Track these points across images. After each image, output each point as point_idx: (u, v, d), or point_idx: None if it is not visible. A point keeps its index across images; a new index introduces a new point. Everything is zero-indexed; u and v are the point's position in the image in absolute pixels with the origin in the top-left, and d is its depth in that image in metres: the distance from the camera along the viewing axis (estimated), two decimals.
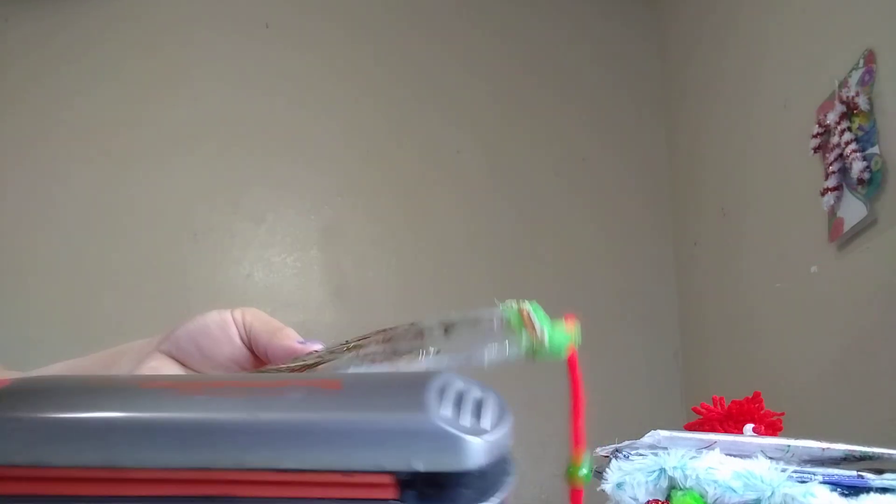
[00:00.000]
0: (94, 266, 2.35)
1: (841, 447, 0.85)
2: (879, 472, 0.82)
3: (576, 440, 0.44)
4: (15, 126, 2.46)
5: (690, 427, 0.99)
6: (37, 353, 2.27)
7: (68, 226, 2.39)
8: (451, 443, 0.32)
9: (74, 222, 2.39)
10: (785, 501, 0.76)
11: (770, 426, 0.96)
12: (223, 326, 0.51)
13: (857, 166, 1.39)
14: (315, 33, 2.63)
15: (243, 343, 0.51)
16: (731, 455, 0.83)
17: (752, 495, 0.78)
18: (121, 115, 2.50)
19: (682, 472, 0.81)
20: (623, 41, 2.70)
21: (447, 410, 0.33)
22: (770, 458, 0.82)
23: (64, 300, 2.32)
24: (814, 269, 1.60)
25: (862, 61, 1.44)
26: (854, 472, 0.81)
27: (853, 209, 1.43)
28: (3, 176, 2.42)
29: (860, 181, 1.39)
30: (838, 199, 1.48)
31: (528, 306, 0.44)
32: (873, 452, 0.86)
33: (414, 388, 0.34)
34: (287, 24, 2.62)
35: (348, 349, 0.48)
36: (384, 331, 0.48)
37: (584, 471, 0.43)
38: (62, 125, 2.47)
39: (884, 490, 0.80)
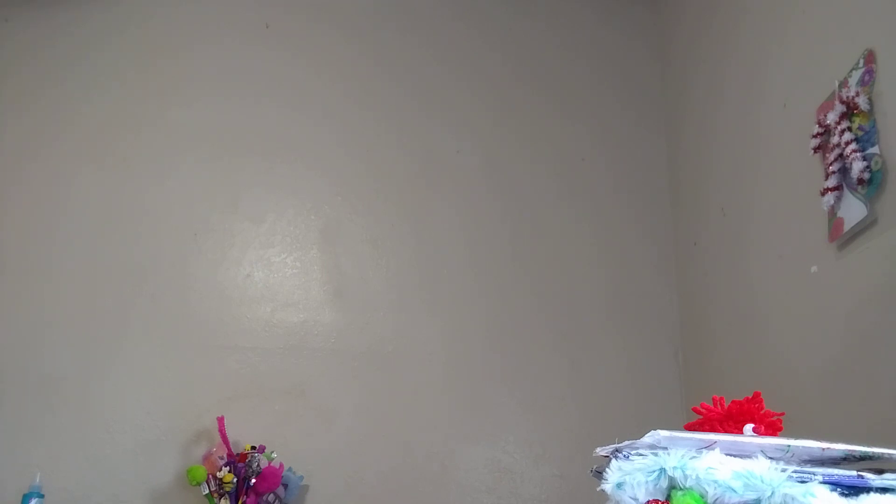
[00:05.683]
0: (96, 265, 2.35)
1: (841, 447, 0.85)
2: (879, 472, 0.82)
3: None
4: (20, 129, 2.47)
5: (690, 427, 0.99)
6: (41, 349, 2.27)
7: (71, 226, 2.39)
8: None
9: (77, 223, 2.39)
10: (785, 501, 0.76)
11: (770, 426, 0.96)
12: None
13: (857, 166, 1.39)
14: (314, 38, 2.63)
15: None
16: (731, 455, 0.83)
17: (752, 495, 0.78)
18: (123, 118, 2.50)
19: (682, 472, 0.81)
20: (623, 43, 2.70)
21: None
22: (770, 458, 0.82)
23: (66, 299, 2.32)
24: (814, 269, 1.60)
25: (862, 61, 1.44)
26: (854, 472, 0.81)
27: (853, 209, 1.43)
28: (9, 177, 2.42)
29: (860, 181, 1.39)
30: (838, 199, 1.47)
31: None
32: (873, 452, 0.85)
33: None
34: (286, 28, 2.62)
35: None
36: None
37: None
38: (66, 128, 2.48)
39: (884, 490, 0.80)
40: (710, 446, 0.83)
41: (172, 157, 2.48)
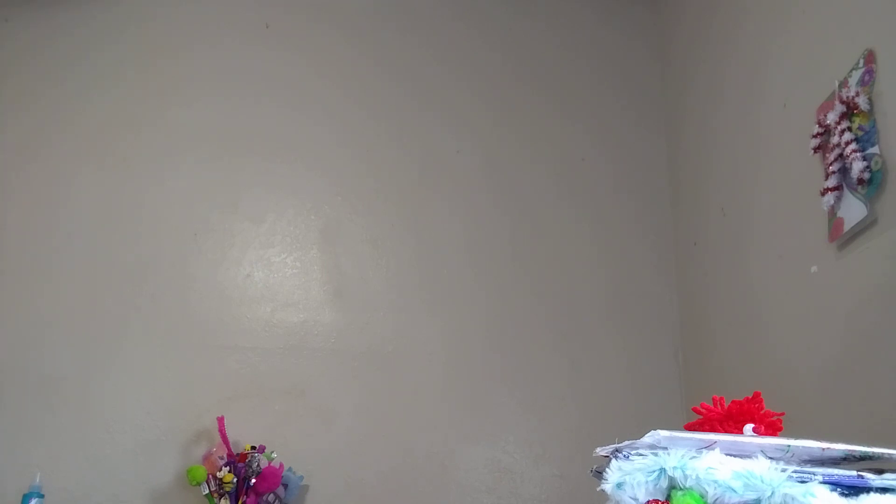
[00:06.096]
0: (96, 265, 2.35)
1: (841, 447, 0.85)
2: (879, 472, 0.82)
3: None
4: (20, 129, 2.47)
5: (690, 427, 0.99)
6: (41, 349, 2.27)
7: (71, 226, 2.39)
8: None
9: (77, 223, 2.39)
10: (785, 501, 0.76)
11: (770, 426, 0.96)
12: None
13: (857, 166, 1.39)
14: (314, 38, 2.63)
15: None
16: (731, 455, 0.83)
17: (752, 495, 0.78)
18: (123, 118, 2.50)
19: (682, 472, 0.81)
20: (623, 43, 2.70)
21: None
22: (770, 458, 0.82)
23: (66, 299, 2.31)
24: (814, 269, 1.60)
25: (862, 61, 1.44)
26: (854, 472, 0.81)
27: (853, 209, 1.43)
28: (9, 177, 2.42)
29: (860, 181, 1.39)
30: (838, 199, 1.47)
31: None
32: (873, 452, 0.85)
33: None
34: (286, 28, 2.62)
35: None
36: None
37: None
38: (66, 128, 2.48)
39: (884, 490, 0.80)
40: (710, 446, 0.83)
41: (172, 157, 2.48)
